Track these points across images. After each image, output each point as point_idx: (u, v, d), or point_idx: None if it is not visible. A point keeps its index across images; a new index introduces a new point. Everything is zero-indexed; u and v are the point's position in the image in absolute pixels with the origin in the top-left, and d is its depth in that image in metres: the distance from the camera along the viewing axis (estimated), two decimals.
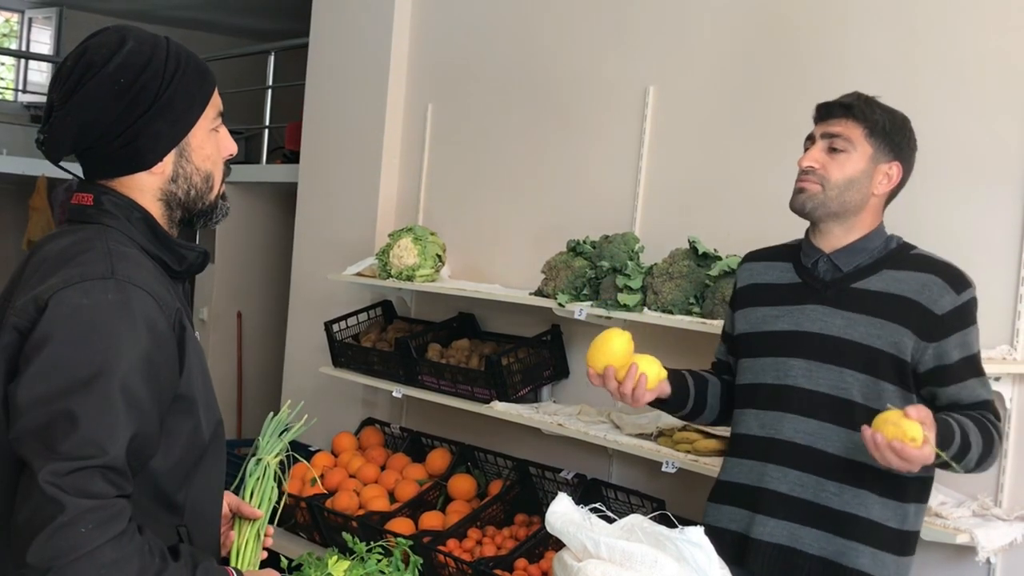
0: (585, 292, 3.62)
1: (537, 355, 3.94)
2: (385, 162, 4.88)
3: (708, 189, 3.58)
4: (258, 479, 1.95)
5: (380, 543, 2.56)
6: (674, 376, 2.53)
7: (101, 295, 1.57)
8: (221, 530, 1.90)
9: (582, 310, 3.55)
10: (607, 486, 3.64)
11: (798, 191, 2.38)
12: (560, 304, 3.63)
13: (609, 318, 3.55)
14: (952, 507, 2.74)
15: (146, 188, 1.74)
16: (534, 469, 3.88)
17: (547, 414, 3.75)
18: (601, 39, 4.01)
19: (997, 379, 2.76)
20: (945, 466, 2.17)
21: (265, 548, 1.96)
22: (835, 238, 2.38)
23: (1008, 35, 2.88)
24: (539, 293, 3.78)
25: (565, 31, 4.16)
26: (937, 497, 2.75)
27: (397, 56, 4.87)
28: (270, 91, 7.32)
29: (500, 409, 3.79)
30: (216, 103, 1.79)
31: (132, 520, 1.52)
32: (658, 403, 2.53)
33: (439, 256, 4.34)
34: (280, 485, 1.98)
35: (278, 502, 1.97)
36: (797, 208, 2.39)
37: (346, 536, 2.62)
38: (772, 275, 2.50)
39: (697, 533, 2.05)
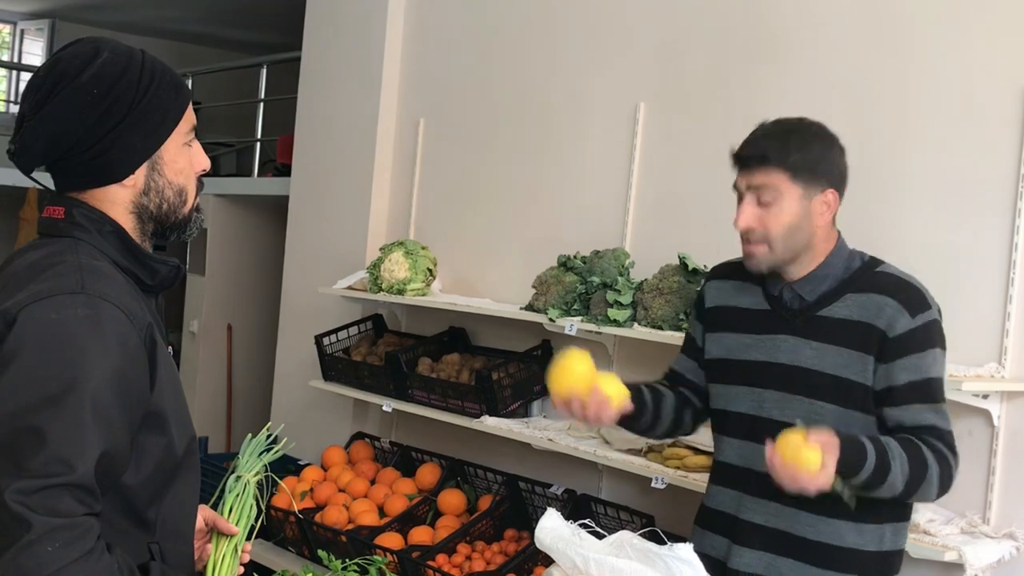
0: (575, 307, 3.62)
1: (527, 370, 3.94)
2: (376, 176, 4.89)
3: (698, 205, 3.59)
4: (237, 495, 1.95)
5: (356, 560, 2.54)
6: (633, 392, 2.47)
7: (71, 310, 1.54)
8: (197, 544, 1.88)
9: (572, 325, 3.56)
10: (597, 501, 3.64)
11: (747, 255, 2.35)
12: (551, 319, 3.64)
13: (599, 333, 3.56)
14: (940, 524, 2.74)
15: (118, 201, 1.71)
16: (524, 484, 3.88)
17: (537, 429, 3.75)
18: (592, 55, 4.02)
19: (985, 396, 2.77)
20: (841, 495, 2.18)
21: (242, 564, 1.95)
22: (794, 272, 2.35)
23: (998, 53, 2.90)
24: (530, 308, 3.79)
25: (556, 47, 4.18)
26: (926, 514, 2.76)
27: (389, 71, 4.88)
28: (262, 104, 7.32)
29: (490, 424, 3.79)
30: (190, 117, 1.77)
31: (101, 538, 1.51)
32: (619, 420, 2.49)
33: (430, 270, 4.34)
34: (259, 503, 1.98)
35: (256, 519, 1.97)
36: (754, 271, 2.37)
37: (321, 553, 2.60)
38: (743, 299, 2.46)
39: (686, 550, 2.06)
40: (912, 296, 2.28)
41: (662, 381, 2.67)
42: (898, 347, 2.24)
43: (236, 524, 1.92)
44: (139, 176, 1.71)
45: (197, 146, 1.80)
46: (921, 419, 2.26)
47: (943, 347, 2.30)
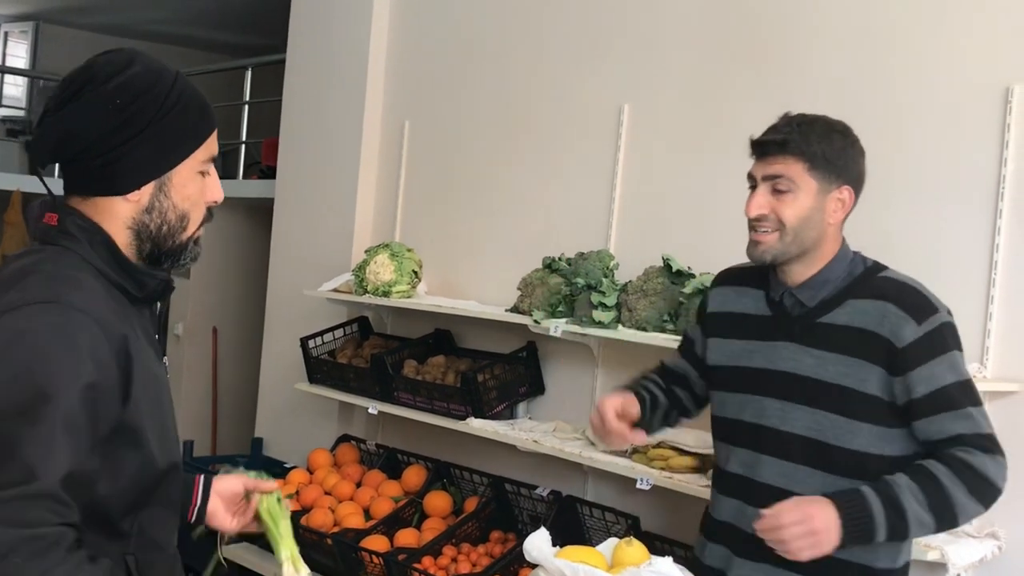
0: (560, 309, 3.63)
1: (513, 371, 3.95)
2: (362, 178, 4.89)
3: (682, 207, 3.60)
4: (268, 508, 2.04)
5: None
6: (640, 401, 2.48)
7: (42, 319, 1.54)
8: (229, 517, 1.97)
9: (557, 327, 3.56)
10: (582, 503, 3.65)
11: (755, 243, 2.26)
12: (536, 321, 3.64)
13: (584, 335, 3.56)
14: None
15: (118, 214, 1.71)
16: (510, 486, 3.88)
17: (522, 431, 3.75)
18: (576, 57, 4.03)
19: None
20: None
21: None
22: (797, 274, 2.28)
23: (980, 55, 2.92)
24: (515, 310, 3.79)
25: (541, 49, 4.18)
26: None
27: (374, 73, 4.89)
28: (247, 106, 7.31)
29: (476, 426, 3.79)
30: (211, 147, 1.76)
31: (77, 550, 1.50)
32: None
33: (415, 272, 4.35)
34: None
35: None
36: (757, 261, 2.28)
37: None
38: (744, 304, 2.40)
39: (666, 563, 2.08)
40: (916, 301, 2.19)
41: (657, 377, 2.62)
42: (910, 358, 2.16)
43: (278, 528, 1.99)
44: (144, 193, 1.71)
45: (214, 177, 1.79)
46: (946, 430, 2.16)
47: (958, 348, 2.22)
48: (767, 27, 3.42)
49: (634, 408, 2.44)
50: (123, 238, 1.72)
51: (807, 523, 2.06)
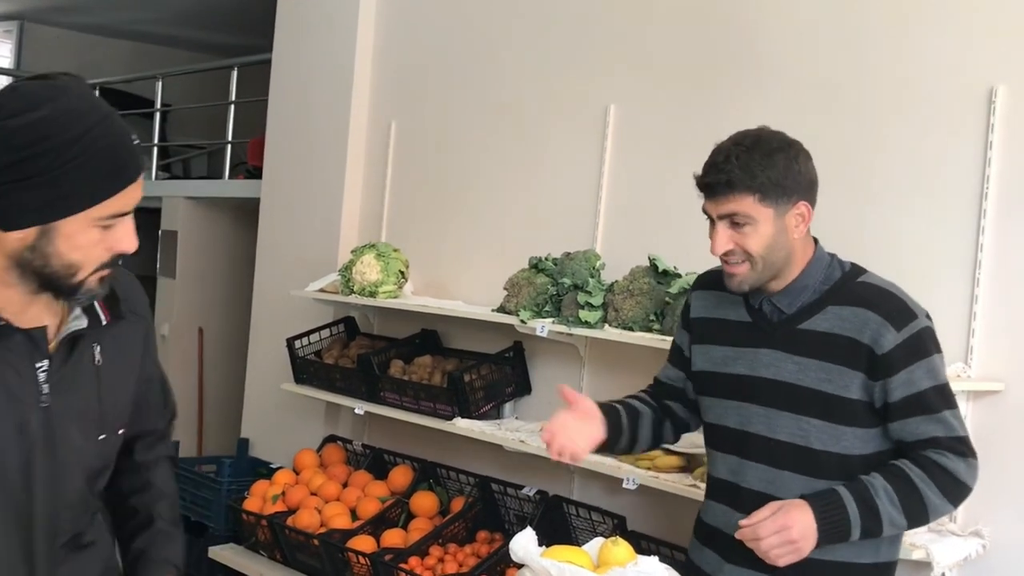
0: (547, 309, 3.63)
1: (499, 371, 3.95)
2: (348, 178, 4.88)
3: (668, 207, 3.60)
4: None
5: None
6: (611, 416, 2.44)
7: None
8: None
9: (544, 327, 3.57)
10: (569, 502, 3.65)
11: (730, 275, 2.27)
12: (522, 321, 3.64)
13: (570, 334, 3.57)
14: None
15: (3, 242, 1.66)
16: (496, 486, 3.88)
17: (509, 430, 3.76)
18: (562, 57, 4.03)
19: None
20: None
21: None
22: (774, 285, 2.29)
23: (965, 57, 2.93)
24: (501, 310, 3.79)
25: (527, 49, 4.19)
26: None
27: (360, 73, 4.88)
28: (233, 106, 7.29)
29: (462, 426, 3.79)
30: (120, 202, 1.65)
31: None
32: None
33: (402, 272, 4.34)
34: None
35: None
36: (736, 291, 2.29)
37: None
38: (725, 310, 2.41)
39: (652, 563, 2.08)
40: (896, 309, 2.21)
41: (645, 393, 2.62)
42: (888, 365, 2.18)
43: None
44: (28, 234, 1.64)
45: (124, 228, 1.69)
46: (921, 432, 2.20)
47: (937, 351, 2.24)
48: (752, 28, 3.43)
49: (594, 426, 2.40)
50: (2, 263, 1.68)
51: (784, 534, 2.12)
